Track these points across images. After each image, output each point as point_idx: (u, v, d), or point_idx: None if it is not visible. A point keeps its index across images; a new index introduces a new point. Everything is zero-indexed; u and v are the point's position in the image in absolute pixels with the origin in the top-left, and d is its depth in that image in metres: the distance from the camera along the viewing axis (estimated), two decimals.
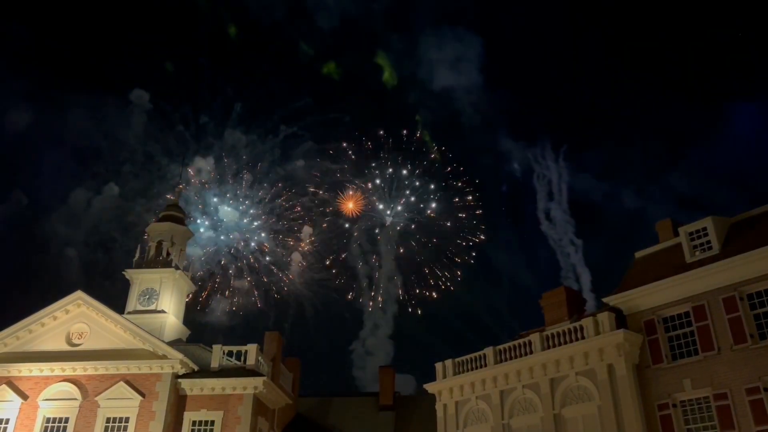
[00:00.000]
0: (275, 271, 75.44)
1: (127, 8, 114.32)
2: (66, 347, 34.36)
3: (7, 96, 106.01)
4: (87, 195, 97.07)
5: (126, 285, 41.88)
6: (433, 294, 77.37)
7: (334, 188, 78.25)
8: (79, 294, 35.09)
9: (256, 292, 78.00)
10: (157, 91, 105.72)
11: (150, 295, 41.12)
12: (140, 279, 41.75)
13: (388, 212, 77.34)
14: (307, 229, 75.47)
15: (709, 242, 27.32)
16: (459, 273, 78.13)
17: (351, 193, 75.98)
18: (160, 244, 43.60)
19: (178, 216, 45.69)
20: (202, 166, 77.30)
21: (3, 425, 32.53)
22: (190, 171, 75.98)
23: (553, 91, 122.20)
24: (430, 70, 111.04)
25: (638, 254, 31.08)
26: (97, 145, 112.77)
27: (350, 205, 75.34)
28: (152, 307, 40.61)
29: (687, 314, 26.53)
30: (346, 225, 78.04)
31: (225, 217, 78.68)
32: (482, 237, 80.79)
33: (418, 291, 77.72)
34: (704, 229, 27.61)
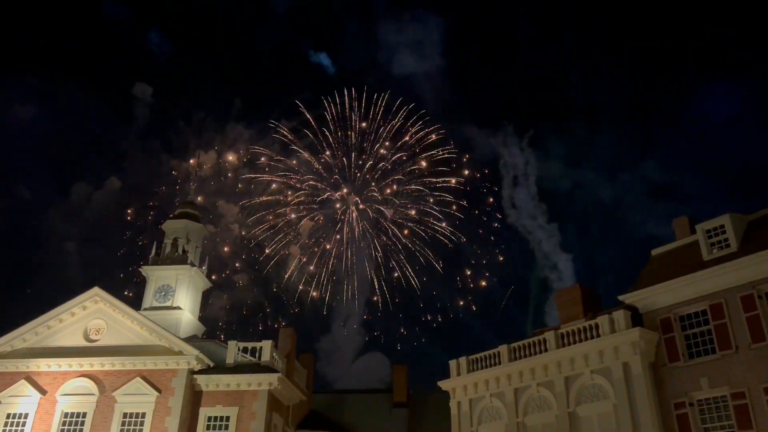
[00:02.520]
0: (273, 265, 75.46)
1: (125, 5, 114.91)
2: (83, 343, 34.72)
3: (10, 91, 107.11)
4: (88, 189, 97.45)
5: (126, 280, 42.33)
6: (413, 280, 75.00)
7: (331, 182, 77.91)
8: (96, 290, 35.42)
9: (252, 285, 78.19)
10: (159, 85, 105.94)
11: (166, 291, 41.52)
12: (156, 276, 42.17)
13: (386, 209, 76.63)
14: (306, 224, 75.54)
15: (726, 240, 27.04)
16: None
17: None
18: (176, 241, 43.99)
19: (193, 213, 46.08)
20: (203, 161, 77.48)
21: (22, 420, 32.98)
22: (193, 163, 76.25)
23: (517, 75, 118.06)
24: (389, 54, 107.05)
25: (655, 252, 30.83)
26: (99, 139, 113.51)
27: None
28: (168, 304, 41.00)
29: (704, 312, 26.28)
30: (344, 222, 77.57)
31: (224, 211, 79.03)
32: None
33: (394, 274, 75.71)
34: (722, 226, 27.33)
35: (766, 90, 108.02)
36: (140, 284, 43.09)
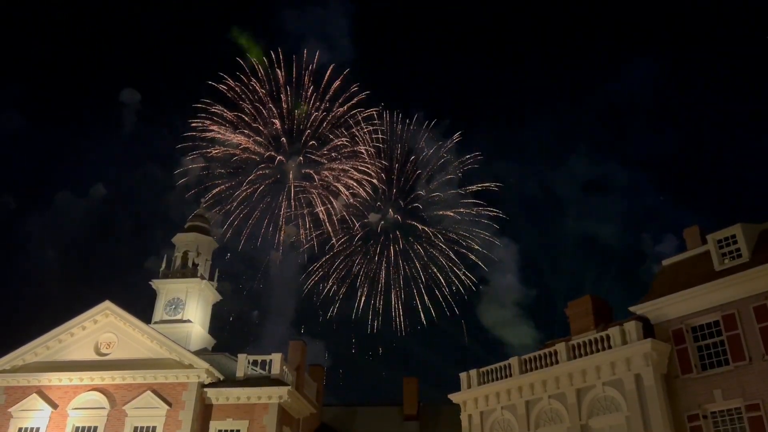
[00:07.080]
0: (257, 270, 74.59)
1: (118, 9, 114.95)
2: (94, 357, 34.84)
3: None
4: (72, 197, 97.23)
5: (113, 289, 42.44)
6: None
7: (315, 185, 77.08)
8: (107, 304, 35.59)
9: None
10: (146, 92, 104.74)
11: (176, 305, 41.67)
12: (166, 289, 42.35)
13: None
14: (291, 229, 75.08)
15: (738, 250, 26.83)
16: None
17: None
18: (186, 254, 44.19)
19: (203, 226, 46.31)
20: (190, 168, 76.81)
21: None
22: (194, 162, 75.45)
23: (431, 63, 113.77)
24: (295, 44, 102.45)
25: (665, 262, 30.64)
26: (88, 146, 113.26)
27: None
28: (178, 317, 41.13)
29: (717, 323, 26.06)
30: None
31: (211, 218, 78.60)
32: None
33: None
34: (733, 236, 27.14)
35: (679, 68, 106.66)
36: (137, 293, 43.15)
